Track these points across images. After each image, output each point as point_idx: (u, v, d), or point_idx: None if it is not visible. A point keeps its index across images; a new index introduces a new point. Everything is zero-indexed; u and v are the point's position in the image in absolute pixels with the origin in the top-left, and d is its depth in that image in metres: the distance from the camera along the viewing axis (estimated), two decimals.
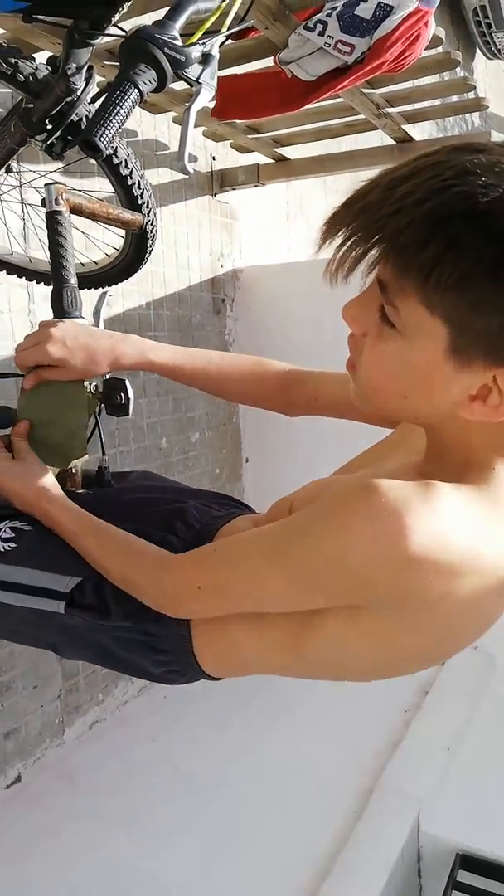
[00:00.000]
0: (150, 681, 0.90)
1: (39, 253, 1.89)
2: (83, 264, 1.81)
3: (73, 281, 1.01)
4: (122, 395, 1.04)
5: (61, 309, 0.99)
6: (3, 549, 0.87)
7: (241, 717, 2.36)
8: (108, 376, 1.07)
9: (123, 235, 1.57)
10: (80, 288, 1.76)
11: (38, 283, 1.84)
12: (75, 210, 1.04)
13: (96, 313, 1.10)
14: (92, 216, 1.09)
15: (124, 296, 2.55)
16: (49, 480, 0.90)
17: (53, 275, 1.01)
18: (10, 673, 2.10)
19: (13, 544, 0.87)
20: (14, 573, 0.85)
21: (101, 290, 1.13)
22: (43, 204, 1.01)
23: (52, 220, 1.00)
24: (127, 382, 1.03)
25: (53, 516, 0.86)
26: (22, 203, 1.83)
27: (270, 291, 3.20)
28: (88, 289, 1.73)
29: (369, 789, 2.07)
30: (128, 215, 1.18)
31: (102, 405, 1.06)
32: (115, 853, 1.89)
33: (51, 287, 1.01)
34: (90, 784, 2.17)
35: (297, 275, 3.24)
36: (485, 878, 1.82)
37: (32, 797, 2.11)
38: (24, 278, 1.82)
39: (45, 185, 1.01)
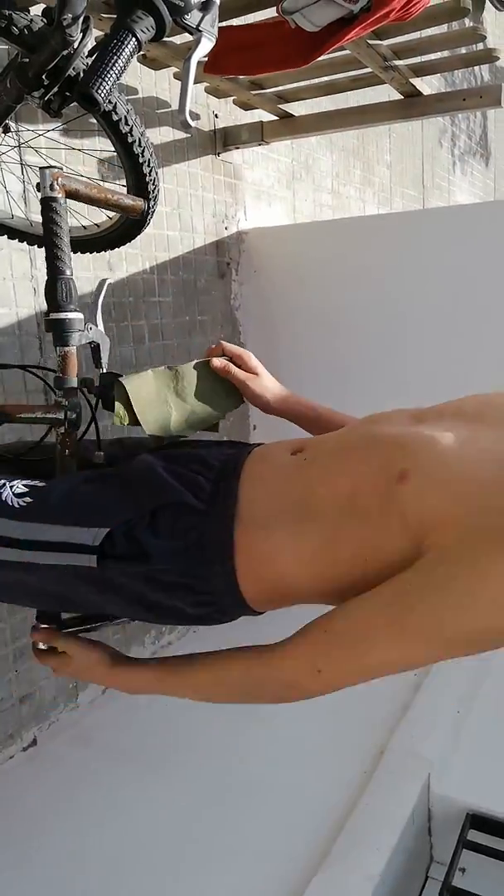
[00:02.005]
0: (183, 624, 0.90)
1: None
2: (84, 227, 1.77)
3: (69, 272, 0.98)
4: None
5: (55, 302, 0.96)
6: (19, 505, 0.84)
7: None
8: (104, 369, 1.04)
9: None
10: (83, 251, 1.73)
11: (39, 247, 1.80)
12: (71, 195, 1.00)
13: (95, 303, 1.06)
14: (89, 201, 1.05)
15: (128, 260, 2.50)
16: (106, 661, 0.89)
17: (48, 265, 0.97)
18: (25, 639, 2.12)
19: (29, 499, 0.85)
20: (36, 530, 0.83)
21: (101, 278, 1.10)
22: (38, 188, 0.97)
23: (47, 208, 0.96)
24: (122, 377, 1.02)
25: (135, 688, 0.88)
26: (21, 164, 1.78)
27: (276, 254, 3.14)
28: (91, 252, 1.70)
29: (381, 750, 2.09)
30: (128, 201, 1.14)
31: (99, 400, 1.03)
32: (130, 813, 1.92)
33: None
34: (104, 746, 2.21)
35: (303, 236, 3.18)
36: (495, 838, 1.84)
37: (48, 759, 2.15)
38: (25, 242, 1.78)
39: (41, 168, 0.96)
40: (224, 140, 2.95)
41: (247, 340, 3.24)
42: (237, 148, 3.00)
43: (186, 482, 0.83)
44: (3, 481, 0.87)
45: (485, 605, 0.61)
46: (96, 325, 1.02)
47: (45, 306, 2.22)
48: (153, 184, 1.47)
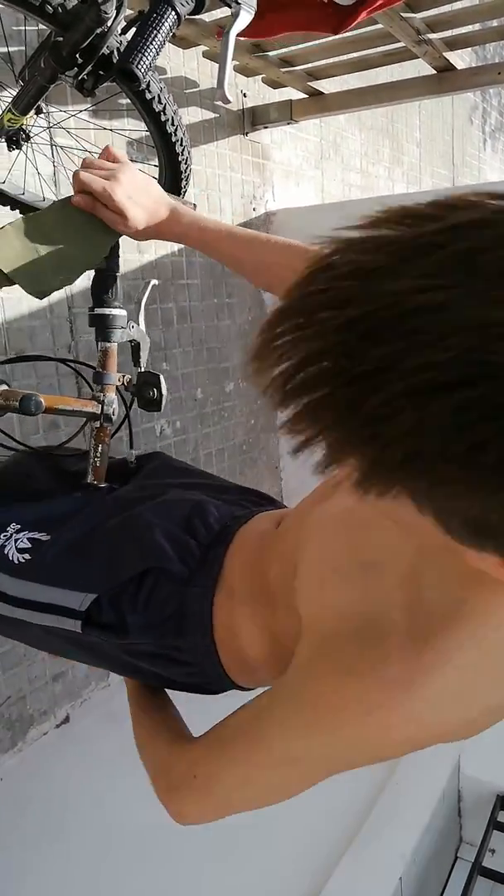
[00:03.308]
0: (175, 689, 0.86)
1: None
2: None
3: (117, 270, 0.97)
4: (155, 390, 1.02)
5: (101, 298, 0.96)
6: (18, 562, 0.84)
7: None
8: (143, 369, 1.04)
9: (157, 176, 1.52)
10: None
11: None
12: None
13: (139, 303, 1.06)
14: None
15: (156, 242, 2.49)
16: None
17: None
18: None
19: (28, 556, 0.84)
20: (27, 589, 0.82)
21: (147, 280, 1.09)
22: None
23: None
24: (161, 378, 1.01)
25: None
26: (52, 145, 1.78)
27: (304, 235, 3.09)
28: None
29: None
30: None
31: (134, 399, 1.03)
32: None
33: None
34: None
35: (332, 217, 3.12)
36: None
37: (80, 736, 2.19)
38: None
39: (74, 174, 0.91)
40: (252, 119, 2.92)
41: None
42: (265, 127, 2.96)
43: (178, 547, 0.79)
44: (10, 533, 0.87)
45: (324, 737, 0.56)
46: (138, 325, 1.02)
47: (75, 289, 2.23)
48: (185, 163, 1.46)
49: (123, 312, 0.98)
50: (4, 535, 0.86)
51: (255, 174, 3.01)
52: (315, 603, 0.61)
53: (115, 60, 1.22)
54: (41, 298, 0.91)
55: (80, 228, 0.90)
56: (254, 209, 3.01)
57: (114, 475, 1.02)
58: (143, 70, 0.81)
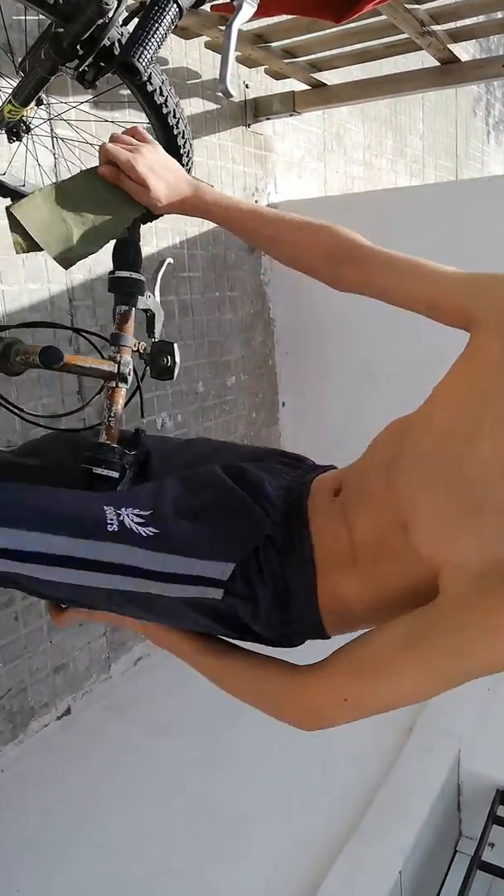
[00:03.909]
0: (245, 640, 0.87)
1: None
2: None
3: (137, 238, 1.01)
4: (169, 357, 1.05)
5: (123, 261, 0.99)
6: (146, 534, 0.80)
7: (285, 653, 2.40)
8: (157, 338, 1.05)
9: None
10: None
11: None
12: None
13: (154, 278, 1.08)
14: None
15: (157, 235, 2.49)
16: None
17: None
18: None
19: (153, 529, 0.80)
20: (165, 561, 0.79)
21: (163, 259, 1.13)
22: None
23: None
24: (175, 346, 1.04)
25: (176, 649, 0.88)
26: (53, 137, 1.77)
27: None
28: None
29: (410, 727, 2.10)
30: None
31: (147, 368, 1.06)
32: (164, 780, 1.96)
33: None
34: (136, 716, 2.25)
35: (335, 209, 3.13)
36: None
37: (82, 728, 2.20)
38: None
39: (101, 146, 0.96)
40: (255, 111, 2.91)
41: (276, 316, 3.21)
42: (268, 119, 2.95)
43: (247, 530, 0.82)
44: (119, 509, 0.82)
45: (499, 653, 0.65)
46: (154, 296, 1.05)
47: (76, 282, 2.22)
48: (187, 156, 1.45)
49: (142, 278, 1.00)
50: (114, 513, 0.81)
51: (257, 166, 3.00)
52: (450, 548, 0.68)
53: (116, 52, 1.20)
54: (66, 267, 0.94)
55: (104, 198, 0.94)
56: (256, 201, 3.00)
57: (126, 446, 1.00)
58: (144, 64, 0.80)
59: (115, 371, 1.00)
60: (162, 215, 1.00)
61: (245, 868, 1.73)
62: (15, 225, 0.92)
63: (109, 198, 0.94)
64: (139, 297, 1.01)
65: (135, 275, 1.00)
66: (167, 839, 1.79)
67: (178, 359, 1.06)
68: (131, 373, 1.02)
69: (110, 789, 1.95)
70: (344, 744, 2.06)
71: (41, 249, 0.92)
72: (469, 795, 1.95)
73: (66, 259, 0.93)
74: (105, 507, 0.81)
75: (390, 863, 1.63)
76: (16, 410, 1.17)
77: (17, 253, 0.94)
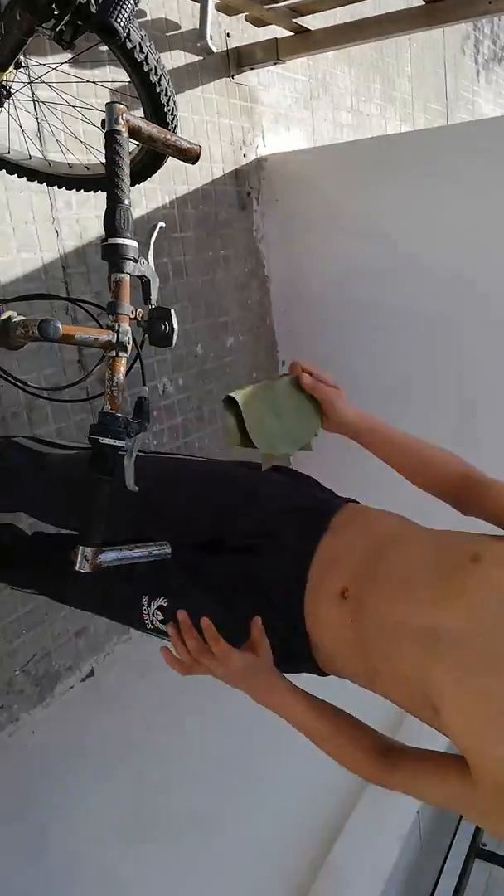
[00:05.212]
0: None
1: (57, 155, 1.82)
2: (103, 164, 1.74)
3: (127, 201, 1.01)
4: (167, 324, 1.06)
5: (113, 228, 0.99)
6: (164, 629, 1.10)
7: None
8: (153, 305, 1.07)
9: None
10: (96, 190, 1.73)
11: (59, 187, 1.77)
12: (133, 133, 1.04)
13: (147, 243, 1.08)
14: (150, 140, 1.09)
15: (146, 195, 2.45)
16: (270, 668, 1.01)
17: (108, 193, 1.00)
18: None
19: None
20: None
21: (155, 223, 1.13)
22: (102, 125, 1.01)
23: (111, 140, 1.00)
24: (173, 312, 1.05)
25: (283, 707, 1.01)
26: (34, 101, 1.74)
27: (297, 180, 3.05)
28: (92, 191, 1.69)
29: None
30: (185, 143, 1.15)
31: (146, 336, 1.06)
32: (185, 739, 2.03)
33: (97, 197, 1.00)
34: (158, 676, 2.30)
35: (325, 160, 3.07)
36: None
37: (105, 688, 2.27)
38: (44, 184, 1.75)
39: (107, 104, 1.01)
40: (238, 61, 2.83)
41: (271, 274, 3.18)
42: (252, 68, 2.88)
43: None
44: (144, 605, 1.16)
45: None
46: (148, 262, 1.05)
47: (68, 249, 2.20)
48: (171, 113, 1.43)
49: (135, 243, 1.00)
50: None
51: (243, 118, 2.94)
52: (491, 746, 0.76)
53: (93, 9, 1.18)
54: (267, 466, 1.06)
55: (300, 405, 1.08)
56: (244, 155, 2.95)
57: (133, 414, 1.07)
58: (122, 23, 0.79)
59: (115, 340, 1.00)
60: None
61: (262, 816, 1.80)
62: (234, 412, 1.03)
63: (303, 406, 1.08)
64: (133, 263, 1.01)
65: (128, 241, 1.00)
66: (189, 794, 1.86)
67: (175, 325, 1.06)
68: (130, 341, 1.03)
69: (137, 745, 2.01)
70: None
71: (254, 447, 1.03)
72: None
73: (270, 458, 1.04)
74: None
75: (388, 846, 1.67)
76: (20, 384, 1.18)
77: (229, 443, 1.04)
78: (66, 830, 1.76)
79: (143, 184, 1.68)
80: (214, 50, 1.39)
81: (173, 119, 1.44)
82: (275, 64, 2.89)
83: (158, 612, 1.16)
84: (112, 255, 1.00)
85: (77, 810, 1.81)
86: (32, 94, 1.71)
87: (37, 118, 1.86)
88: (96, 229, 2.20)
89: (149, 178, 1.59)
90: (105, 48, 2.13)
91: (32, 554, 1.62)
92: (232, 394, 1.02)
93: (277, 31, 2.83)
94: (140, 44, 1.27)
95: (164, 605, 1.15)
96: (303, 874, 1.77)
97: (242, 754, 1.96)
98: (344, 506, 1.13)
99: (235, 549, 1.15)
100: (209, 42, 0.81)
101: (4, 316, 0.99)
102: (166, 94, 1.38)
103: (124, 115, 1.01)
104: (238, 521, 1.15)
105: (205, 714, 2.10)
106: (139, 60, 1.29)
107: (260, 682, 1.00)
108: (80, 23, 1.20)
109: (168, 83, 1.38)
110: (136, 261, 1.01)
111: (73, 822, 1.78)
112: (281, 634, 1.03)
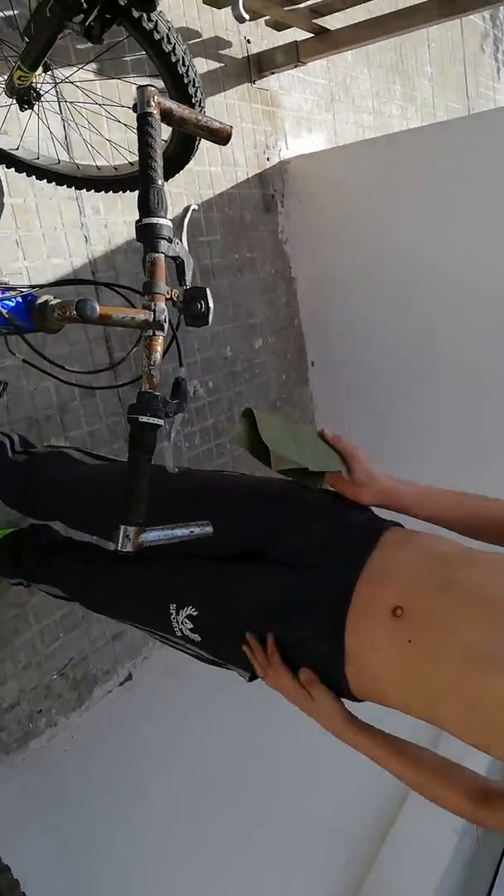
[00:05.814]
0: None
1: (84, 158, 1.83)
2: (131, 163, 1.75)
3: (161, 182, 1.00)
4: (203, 303, 1.06)
5: (147, 208, 0.99)
6: (196, 640, 1.15)
7: None
8: (188, 285, 1.07)
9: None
10: (125, 190, 1.73)
11: (87, 190, 1.79)
12: (165, 115, 1.04)
13: (180, 225, 1.09)
14: (181, 122, 1.09)
15: (172, 199, 2.47)
16: (344, 714, 1.04)
17: (141, 176, 1.00)
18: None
19: (199, 637, 1.14)
20: (207, 654, 1.19)
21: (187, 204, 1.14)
22: (134, 109, 1.01)
23: (144, 122, 1.00)
24: (208, 291, 1.05)
25: (358, 745, 1.03)
26: (60, 101, 1.76)
27: (321, 181, 3.04)
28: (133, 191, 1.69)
29: None
30: (216, 124, 1.15)
31: (181, 316, 1.06)
32: (226, 739, 2.00)
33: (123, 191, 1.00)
34: (196, 679, 2.28)
35: (347, 159, 3.07)
36: None
37: (144, 691, 2.25)
38: (73, 188, 1.77)
39: (138, 87, 1.01)
40: (258, 66, 2.85)
41: (297, 275, 3.18)
42: (272, 73, 2.89)
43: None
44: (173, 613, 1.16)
45: None
46: (182, 243, 1.05)
47: (97, 254, 2.21)
48: (199, 105, 1.44)
49: (169, 223, 1.00)
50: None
51: (265, 123, 2.95)
52: None
53: (120, 2, 1.19)
54: (277, 468, 1.08)
55: (323, 445, 1.13)
56: (268, 159, 2.96)
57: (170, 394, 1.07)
58: None
59: (151, 319, 1.00)
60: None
61: (313, 812, 1.76)
62: (249, 421, 1.08)
63: (322, 446, 1.13)
64: (168, 244, 1.01)
65: (162, 221, 1.00)
66: (231, 793, 1.83)
67: (211, 303, 1.06)
68: (167, 320, 1.03)
69: (176, 748, 1.99)
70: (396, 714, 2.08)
71: (266, 457, 1.06)
72: None
73: (279, 461, 1.06)
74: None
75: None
76: (63, 377, 1.18)
77: (233, 442, 1.11)
78: (108, 835, 1.74)
79: (169, 188, 1.69)
80: (246, 17, 1.41)
81: (202, 111, 1.44)
82: (295, 66, 2.90)
83: (188, 621, 1.14)
84: (146, 235, 0.99)
85: (120, 815, 1.79)
86: (59, 94, 1.73)
87: (63, 118, 1.88)
88: (124, 234, 2.21)
89: (181, 170, 1.59)
90: (128, 57, 2.16)
91: (65, 556, 1.61)
92: (251, 407, 1.08)
93: (297, 35, 2.85)
94: (168, 35, 1.29)
95: (194, 613, 1.14)
96: (358, 866, 1.73)
97: (286, 753, 1.93)
98: (391, 527, 1.09)
99: (270, 561, 1.13)
100: (241, 9, 0.80)
101: (42, 300, 0.99)
102: (194, 86, 1.39)
103: (156, 97, 1.01)
104: (288, 534, 1.12)
105: (246, 715, 2.07)
106: (167, 51, 1.30)
107: (325, 724, 1.05)
108: (108, 16, 1.21)
109: (196, 74, 1.39)
110: (170, 241, 1.01)
111: (117, 828, 1.76)
112: (317, 652, 1.02)
